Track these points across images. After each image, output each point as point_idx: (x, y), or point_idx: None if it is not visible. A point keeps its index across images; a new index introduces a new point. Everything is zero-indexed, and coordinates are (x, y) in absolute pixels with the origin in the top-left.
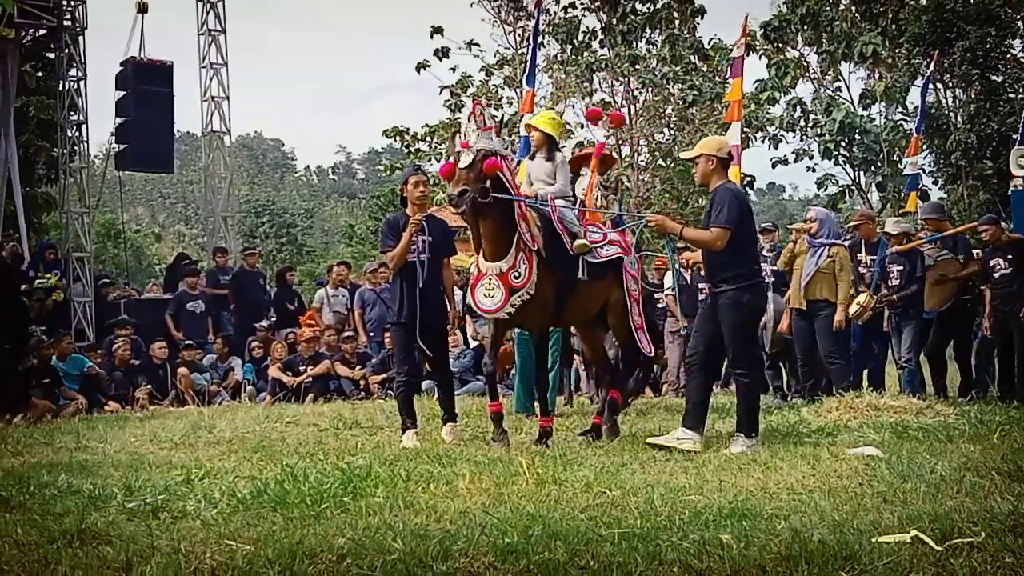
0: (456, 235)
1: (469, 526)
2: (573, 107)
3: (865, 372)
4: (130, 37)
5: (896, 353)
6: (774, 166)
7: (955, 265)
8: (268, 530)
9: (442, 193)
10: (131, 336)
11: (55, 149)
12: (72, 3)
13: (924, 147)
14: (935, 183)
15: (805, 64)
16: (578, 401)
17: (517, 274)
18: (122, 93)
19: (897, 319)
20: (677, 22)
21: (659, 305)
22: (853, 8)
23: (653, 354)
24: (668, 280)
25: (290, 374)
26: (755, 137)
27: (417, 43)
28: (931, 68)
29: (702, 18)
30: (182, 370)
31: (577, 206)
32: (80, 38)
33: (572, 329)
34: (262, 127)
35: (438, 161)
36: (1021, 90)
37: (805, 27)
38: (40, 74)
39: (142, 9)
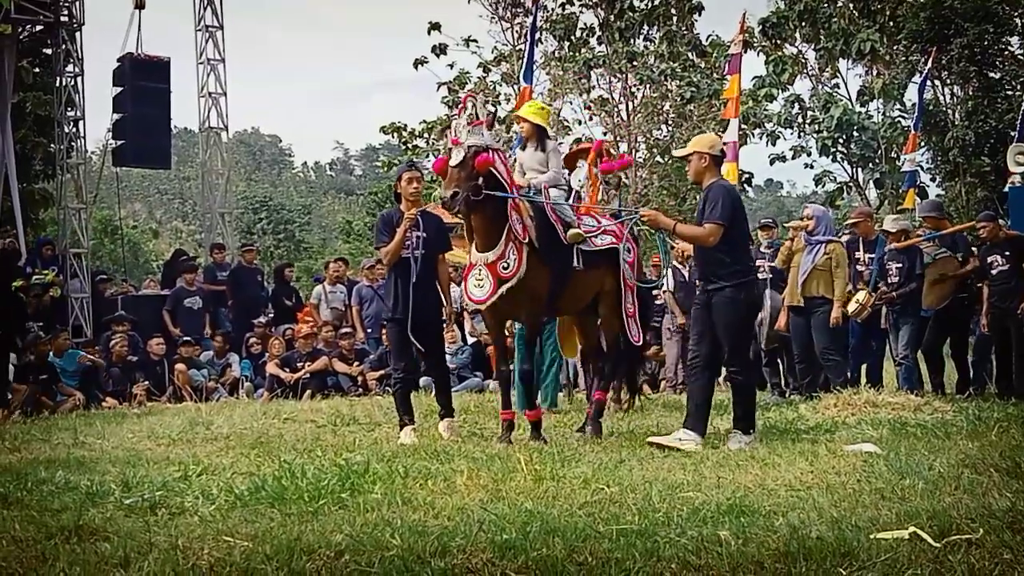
0: (454, 231)
1: (467, 522)
2: (571, 103)
3: (863, 369)
4: (127, 33)
5: (894, 350)
6: (772, 163)
7: (954, 263)
8: (266, 526)
9: (439, 189)
10: (128, 332)
11: (52, 145)
12: None
13: (922, 144)
14: (933, 180)
15: (803, 61)
16: (576, 397)
17: (506, 264)
18: (119, 89)
19: (895, 316)
20: (675, 19)
21: (658, 302)
22: (851, 5)
23: (641, 343)
24: (667, 278)
25: (288, 370)
26: (753, 134)
27: (415, 40)
28: (929, 65)
29: (700, 15)
30: (179, 366)
31: (572, 197)
32: (77, 34)
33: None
34: (259, 123)
35: (436, 156)
36: (1019, 87)
37: (803, 24)
38: (37, 70)
39: (139, 5)
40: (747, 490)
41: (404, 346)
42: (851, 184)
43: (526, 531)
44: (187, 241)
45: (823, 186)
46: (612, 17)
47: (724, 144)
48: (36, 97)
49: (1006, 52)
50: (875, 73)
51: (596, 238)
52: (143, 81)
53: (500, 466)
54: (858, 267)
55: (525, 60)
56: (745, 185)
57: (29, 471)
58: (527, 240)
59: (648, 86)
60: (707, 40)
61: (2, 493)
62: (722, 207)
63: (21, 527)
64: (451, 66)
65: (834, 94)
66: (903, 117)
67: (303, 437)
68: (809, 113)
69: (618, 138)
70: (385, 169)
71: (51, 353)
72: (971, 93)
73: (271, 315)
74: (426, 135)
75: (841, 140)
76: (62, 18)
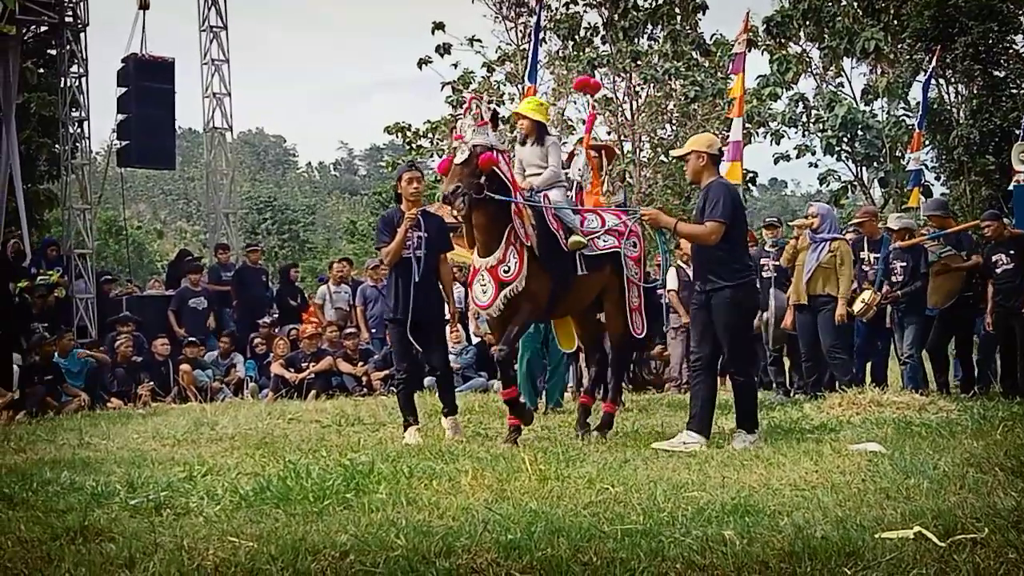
0: (457, 231)
1: (472, 522)
2: (575, 103)
3: (868, 368)
4: (132, 33)
5: (899, 349)
6: (776, 162)
7: (958, 262)
8: (271, 527)
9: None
10: (133, 333)
11: (57, 146)
12: (74, 0)
13: (926, 143)
14: (937, 179)
15: (807, 60)
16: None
17: (506, 268)
18: (124, 89)
19: (900, 315)
20: (679, 18)
21: (662, 301)
22: (855, 4)
23: (643, 335)
24: (671, 277)
25: (292, 370)
26: (757, 133)
27: (419, 40)
28: (933, 63)
29: (704, 14)
30: (184, 367)
31: (574, 189)
32: (82, 35)
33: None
34: (264, 123)
35: (440, 157)
36: (1023, 85)
37: (807, 23)
38: (42, 71)
39: (144, 6)
40: (752, 490)
41: (406, 346)
42: (856, 183)
43: (531, 531)
44: (191, 241)
45: (827, 185)
46: (616, 16)
47: (728, 143)
48: (40, 98)
49: (1011, 50)
50: (879, 72)
51: (599, 240)
52: (147, 82)
53: (505, 466)
54: (863, 266)
55: (529, 60)
56: (749, 184)
57: (34, 472)
58: (529, 244)
59: (652, 85)
60: (711, 39)
61: (8, 494)
62: (723, 205)
63: (27, 528)
64: (455, 66)
65: (838, 93)
66: (907, 116)
67: (308, 437)
68: (813, 112)
69: (622, 137)
70: (389, 169)
71: (56, 354)
72: (976, 91)
73: (276, 315)
74: (430, 135)
75: (845, 139)
76: (66, 19)
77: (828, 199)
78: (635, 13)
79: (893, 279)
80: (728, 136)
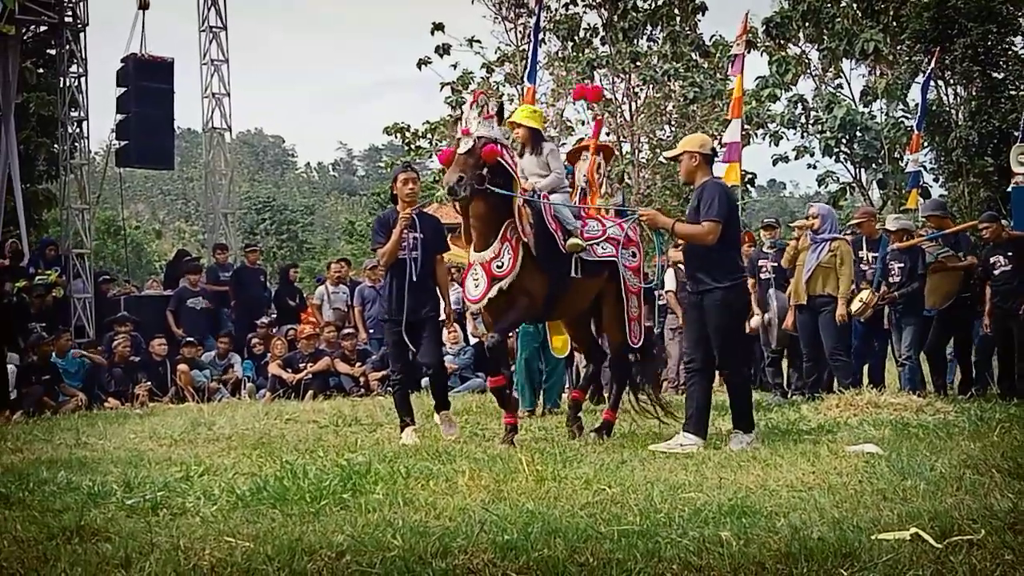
0: (455, 232)
1: (468, 523)
2: (574, 104)
3: (865, 369)
4: (131, 33)
5: (896, 350)
6: (775, 163)
7: (955, 262)
8: (267, 527)
9: (440, 190)
10: (131, 333)
11: (55, 145)
12: (73, 0)
13: (925, 144)
14: (936, 180)
15: (806, 61)
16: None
17: (500, 264)
18: (123, 89)
19: (897, 316)
20: (678, 19)
21: (660, 303)
22: (854, 5)
23: (640, 345)
24: (669, 278)
25: (290, 371)
26: (756, 134)
27: (418, 40)
28: (932, 65)
29: (703, 15)
30: (182, 367)
31: (578, 195)
32: (81, 34)
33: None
34: (263, 124)
35: (438, 163)
36: (1022, 87)
37: (806, 24)
38: (41, 70)
39: (143, 5)
40: (749, 491)
41: (401, 347)
42: (854, 184)
43: (528, 532)
44: (190, 242)
45: (826, 186)
46: (615, 17)
47: (726, 144)
48: (40, 98)
49: (1010, 52)
50: (878, 73)
51: (597, 246)
52: (146, 82)
53: (502, 467)
54: (861, 266)
55: (528, 60)
56: (748, 185)
57: (31, 471)
58: (525, 242)
59: (651, 86)
60: (710, 40)
61: (4, 493)
62: (718, 204)
63: (23, 527)
64: (454, 67)
65: (837, 94)
66: (906, 117)
67: (305, 438)
68: (812, 113)
69: (621, 138)
70: (388, 170)
71: (53, 354)
72: (974, 93)
73: (274, 315)
74: (429, 136)
75: (844, 140)
76: (66, 19)
77: (827, 200)
78: (634, 14)
79: (891, 280)
80: (726, 137)
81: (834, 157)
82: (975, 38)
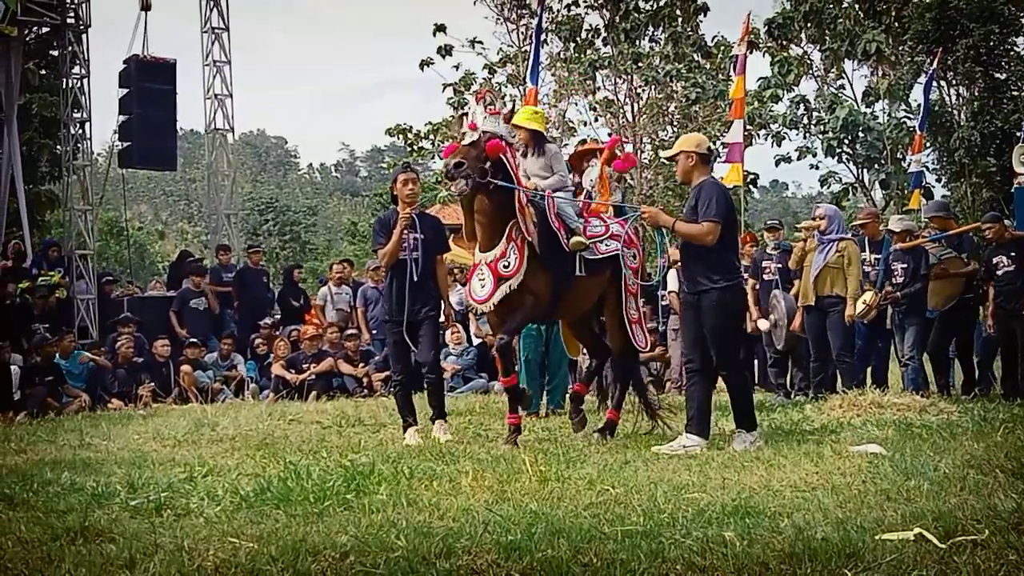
0: (458, 232)
1: (472, 523)
2: (576, 105)
3: (868, 370)
4: (133, 35)
5: (899, 351)
6: (777, 164)
7: (959, 264)
8: (271, 527)
9: (443, 191)
10: (134, 334)
11: (58, 147)
12: (76, 1)
13: (927, 145)
14: (939, 181)
15: (808, 62)
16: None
17: (506, 264)
18: (125, 91)
19: (900, 317)
20: (680, 20)
21: (663, 303)
22: (856, 6)
23: (647, 348)
24: (672, 278)
25: (293, 372)
26: (758, 135)
27: (420, 41)
28: (935, 66)
29: (705, 15)
30: (185, 368)
31: (583, 197)
32: (84, 36)
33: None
34: (265, 125)
35: (441, 159)
36: None
37: (808, 25)
38: (43, 72)
39: (145, 7)
40: (752, 491)
41: (403, 348)
42: (857, 185)
43: (531, 532)
44: (193, 242)
45: (829, 187)
46: (617, 18)
47: (729, 145)
48: (42, 99)
49: (1012, 52)
50: (881, 74)
51: (601, 244)
52: (149, 83)
53: (505, 467)
54: (864, 268)
55: (530, 61)
56: (750, 186)
57: (35, 472)
58: (530, 241)
59: (653, 87)
60: (712, 41)
61: (8, 494)
62: (716, 204)
63: (27, 528)
64: (456, 67)
65: (839, 95)
66: (908, 118)
67: (308, 438)
68: (815, 114)
69: (624, 139)
70: (390, 171)
71: (57, 355)
72: (977, 94)
73: (277, 316)
74: (431, 136)
75: (847, 141)
76: (68, 20)
77: (829, 201)
78: (636, 15)
79: (894, 281)
80: (728, 138)
81: (836, 158)
82: (977, 39)
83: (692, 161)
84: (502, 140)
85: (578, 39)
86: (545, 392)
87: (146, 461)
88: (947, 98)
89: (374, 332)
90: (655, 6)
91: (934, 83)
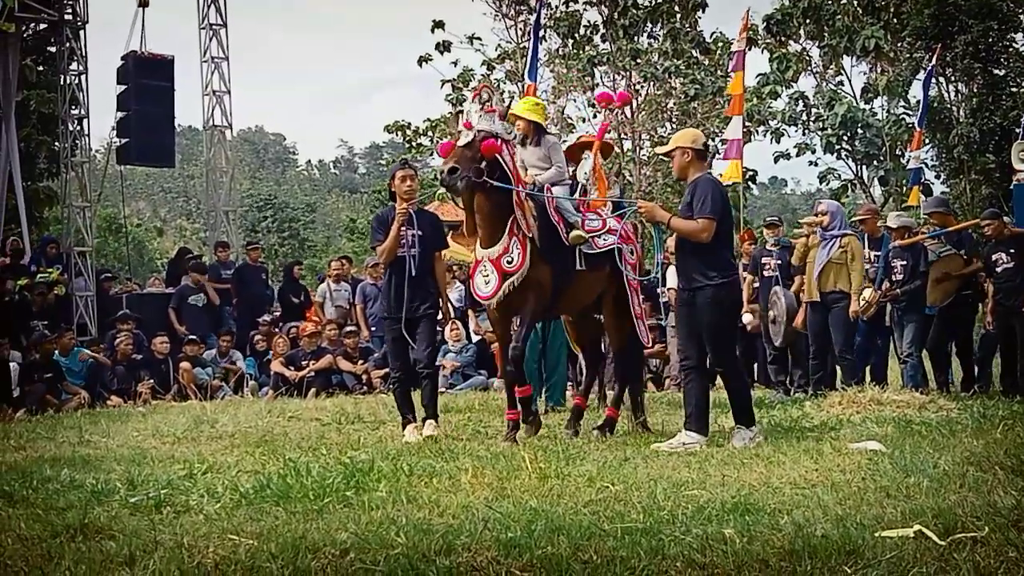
0: (458, 229)
1: (472, 521)
2: (575, 101)
3: (868, 367)
4: (131, 31)
5: (898, 348)
6: (776, 160)
7: (958, 261)
8: (271, 524)
9: (442, 190)
10: (133, 331)
11: (56, 143)
12: None
13: (926, 141)
14: (937, 177)
15: (807, 58)
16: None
17: (510, 259)
18: (123, 87)
19: (899, 314)
20: (678, 16)
21: (662, 300)
22: (855, 2)
23: (650, 344)
24: (671, 275)
25: (292, 369)
26: (757, 131)
27: (419, 38)
28: (934, 62)
29: (703, 12)
30: (184, 364)
31: (579, 192)
32: (81, 32)
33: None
34: (263, 122)
35: (438, 156)
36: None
37: (807, 21)
38: (41, 68)
39: (143, 3)
40: (752, 488)
41: (401, 345)
42: (856, 181)
43: (531, 529)
44: (191, 239)
45: (827, 184)
46: (616, 14)
47: (728, 141)
48: (40, 95)
49: (1011, 49)
50: (879, 70)
51: (599, 238)
52: (147, 79)
53: (505, 464)
54: (864, 264)
55: (529, 58)
56: (749, 182)
57: (34, 469)
58: (531, 236)
59: (652, 83)
60: (711, 37)
61: (8, 491)
62: (712, 201)
63: (27, 525)
64: (455, 64)
65: (838, 91)
66: (907, 114)
67: (308, 435)
68: (813, 110)
69: (622, 135)
70: (389, 167)
71: (56, 352)
72: (976, 90)
73: (276, 313)
74: (429, 133)
75: (845, 137)
76: (66, 16)
77: (828, 197)
78: (635, 11)
79: (893, 277)
80: (727, 134)
81: (835, 154)
82: (976, 35)
83: (688, 157)
84: (498, 138)
85: (576, 35)
86: (544, 390)
87: (145, 458)
88: (946, 94)
89: (373, 329)
90: (654, 2)
91: (933, 79)
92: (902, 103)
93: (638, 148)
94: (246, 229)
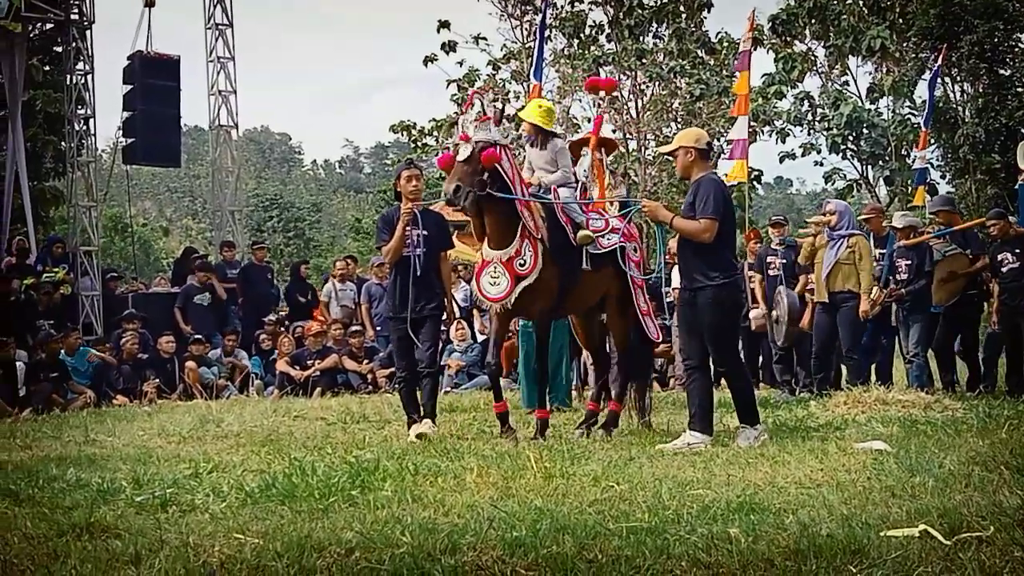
0: (464, 229)
1: (477, 520)
2: (580, 101)
3: (873, 366)
4: (137, 31)
5: (904, 347)
6: (781, 160)
7: (964, 260)
8: (276, 524)
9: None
10: (139, 330)
11: (62, 143)
12: None
13: (932, 141)
14: (943, 177)
15: (813, 58)
16: (586, 395)
17: (522, 262)
18: (129, 87)
19: (905, 313)
20: (684, 16)
21: (667, 299)
22: (861, 2)
23: (659, 339)
24: (676, 274)
25: (298, 368)
26: (762, 131)
27: (424, 38)
28: (939, 62)
29: (709, 12)
30: (190, 364)
31: (579, 190)
32: (87, 32)
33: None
34: (269, 121)
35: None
36: None
37: (813, 21)
38: (47, 68)
39: (149, 3)
40: (757, 488)
41: (407, 344)
42: (861, 181)
43: (536, 529)
44: (197, 239)
45: (833, 184)
46: (621, 15)
47: (733, 141)
48: (46, 95)
49: (1016, 49)
50: (885, 70)
51: (603, 238)
52: (153, 79)
53: (510, 464)
54: (872, 263)
55: (534, 58)
56: (754, 182)
57: (40, 469)
58: (540, 237)
59: (657, 83)
60: (716, 37)
61: (14, 490)
62: (714, 201)
63: (33, 524)
64: (460, 64)
65: (844, 91)
66: (913, 114)
67: (313, 435)
68: (819, 110)
69: (628, 135)
70: (395, 167)
71: (62, 351)
72: (981, 90)
73: (282, 312)
74: (435, 133)
75: (851, 137)
76: (72, 16)
77: (834, 197)
78: (640, 11)
79: (898, 277)
80: (733, 134)
81: (841, 154)
82: (982, 35)
83: (691, 156)
84: (496, 145)
85: (582, 35)
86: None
87: (151, 457)
88: (951, 94)
89: (378, 329)
90: (659, 2)
91: (939, 79)
92: (907, 103)
93: (643, 148)
94: (252, 229)
